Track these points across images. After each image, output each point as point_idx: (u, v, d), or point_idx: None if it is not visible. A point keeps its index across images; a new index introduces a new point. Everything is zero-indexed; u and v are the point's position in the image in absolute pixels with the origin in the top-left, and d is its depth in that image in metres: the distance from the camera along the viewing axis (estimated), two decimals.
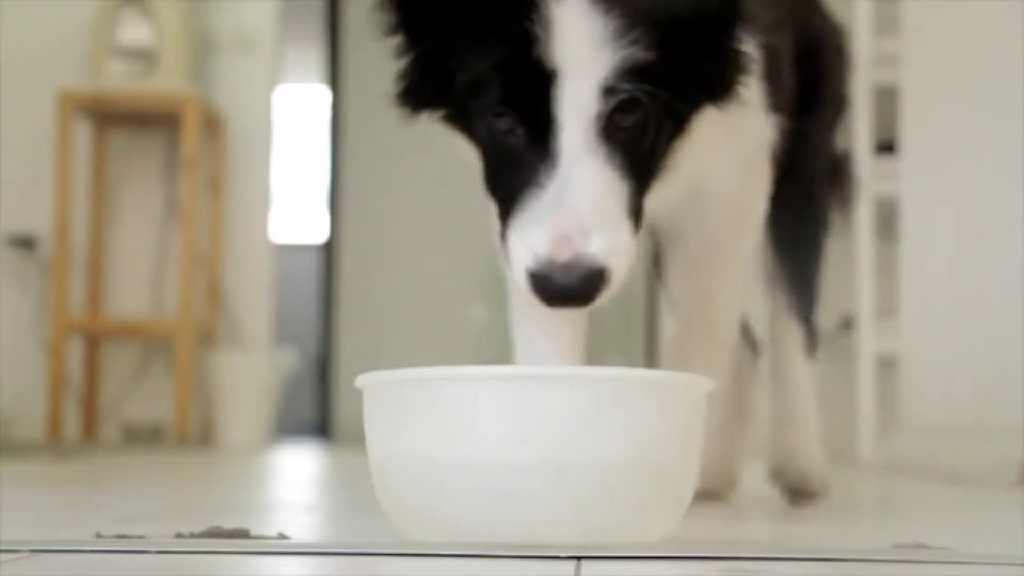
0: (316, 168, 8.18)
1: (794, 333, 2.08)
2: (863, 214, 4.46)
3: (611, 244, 1.29)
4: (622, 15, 1.28)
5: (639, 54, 1.28)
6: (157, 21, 5.22)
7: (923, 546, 1.22)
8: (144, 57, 5.25)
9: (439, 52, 1.37)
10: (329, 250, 7.35)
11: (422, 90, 1.41)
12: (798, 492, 2.00)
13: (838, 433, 4.83)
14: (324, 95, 7.59)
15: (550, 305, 1.30)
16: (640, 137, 1.34)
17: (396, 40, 1.40)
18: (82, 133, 5.41)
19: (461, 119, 1.42)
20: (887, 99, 4.28)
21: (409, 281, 7.10)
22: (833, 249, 2.17)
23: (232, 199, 5.72)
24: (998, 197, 3.08)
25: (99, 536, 1.22)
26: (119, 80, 5.24)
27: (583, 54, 1.27)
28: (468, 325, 6.89)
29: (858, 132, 4.45)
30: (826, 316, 5.12)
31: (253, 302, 5.73)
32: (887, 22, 4.35)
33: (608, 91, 1.29)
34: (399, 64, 1.41)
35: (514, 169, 1.33)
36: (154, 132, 5.59)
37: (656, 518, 1.15)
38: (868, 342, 4.47)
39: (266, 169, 5.84)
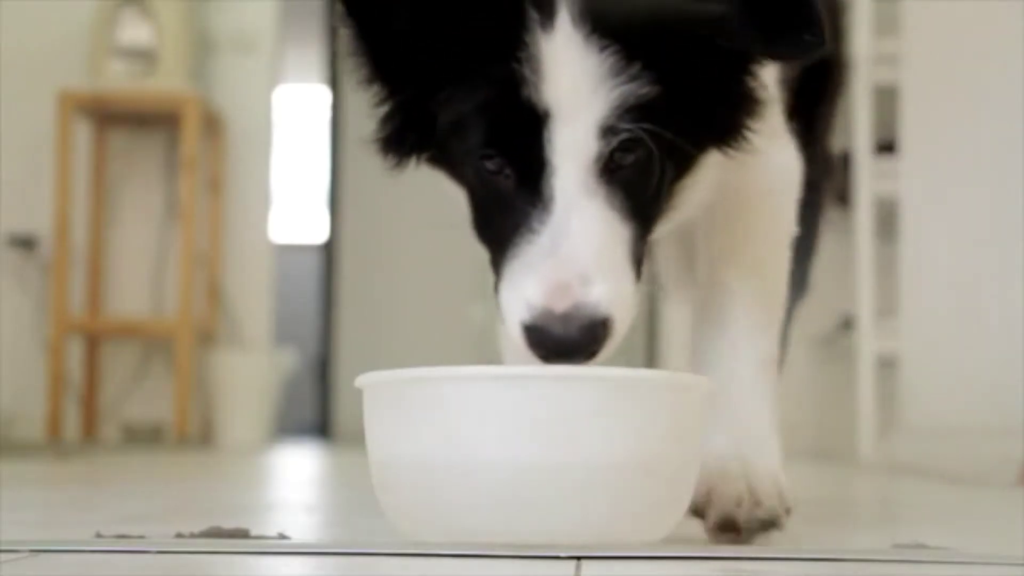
0: (316, 168, 8.18)
1: None
2: (863, 214, 4.47)
3: (614, 292, 1.18)
4: (619, 50, 1.19)
5: (639, 91, 1.20)
6: (157, 21, 5.22)
7: (923, 546, 1.22)
8: (144, 57, 5.25)
9: (420, 98, 1.28)
10: (329, 250, 7.35)
11: (405, 137, 1.33)
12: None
13: (838, 433, 4.84)
14: (324, 95, 7.59)
15: (548, 361, 1.18)
16: (642, 177, 1.24)
17: (374, 89, 1.32)
18: (82, 133, 5.41)
19: (447, 160, 1.33)
20: (887, 99, 4.28)
21: (409, 281, 7.10)
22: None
23: (232, 199, 5.72)
24: (998, 197, 3.08)
25: (99, 536, 1.22)
26: (119, 80, 5.24)
27: (577, 92, 1.19)
28: (468, 325, 6.89)
29: (858, 132, 4.45)
30: (826, 316, 5.13)
31: (253, 302, 5.73)
32: (887, 22, 4.35)
33: (607, 130, 1.20)
34: (379, 112, 1.33)
35: (504, 213, 1.24)
36: (154, 132, 5.59)
37: (656, 518, 1.15)
38: (868, 342, 4.47)
39: (266, 169, 5.84)
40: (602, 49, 1.19)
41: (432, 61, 1.26)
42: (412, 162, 1.35)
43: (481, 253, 1.33)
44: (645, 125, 1.20)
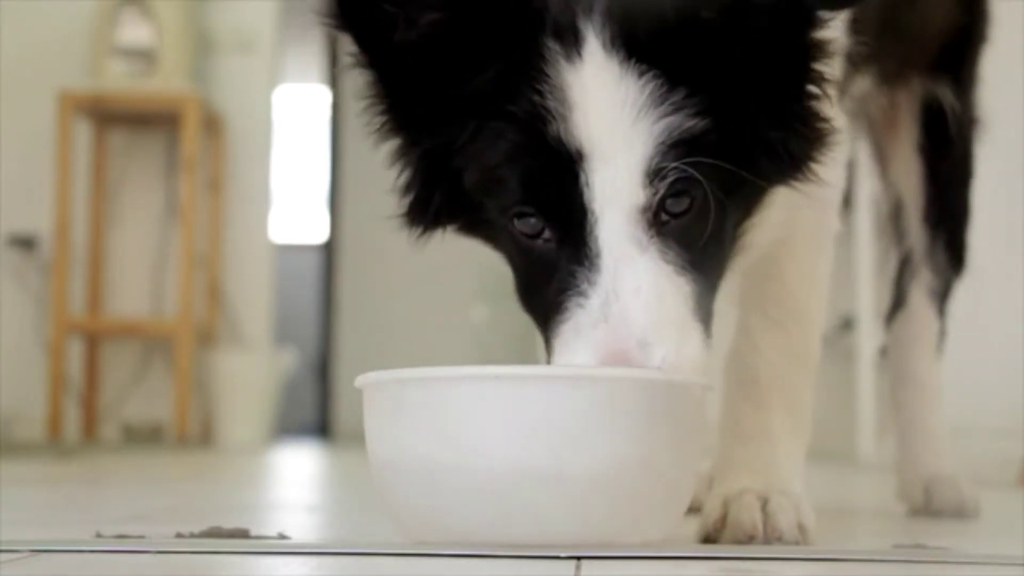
0: (316, 168, 8.19)
1: (928, 327, 1.93)
2: (863, 214, 4.46)
3: (678, 354, 1.07)
4: (659, 76, 1.05)
5: (686, 122, 1.05)
6: (157, 21, 5.22)
7: (923, 546, 1.23)
8: (144, 57, 5.25)
9: (441, 149, 1.15)
10: (329, 250, 7.36)
11: (429, 199, 1.20)
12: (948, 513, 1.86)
13: (838, 433, 4.83)
14: (324, 95, 7.59)
15: None
16: (700, 223, 1.09)
17: (392, 141, 1.20)
18: (82, 133, 5.41)
19: (480, 226, 1.20)
20: None
21: (409, 281, 7.11)
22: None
23: (232, 199, 5.72)
24: (998, 196, 3.08)
25: (99, 536, 1.22)
26: (119, 80, 5.24)
27: (615, 128, 1.05)
28: (468, 325, 6.90)
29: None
30: (826, 316, 5.12)
31: (253, 302, 5.73)
32: None
33: (654, 174, 1.06)
34: (398, 172, 1.22)
35: (549, 277, 1.10)
36: (154, 132, 5.59)
37: (656, 518, 1.15)
38: (868, 342, 4.46)
39: (266, 169, 5.84)
40: (640, 74, 1.06)
41: (451, 99, 1.12)
42: (440, 231, 1.24)
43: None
44: (698, 159, 1.06)
